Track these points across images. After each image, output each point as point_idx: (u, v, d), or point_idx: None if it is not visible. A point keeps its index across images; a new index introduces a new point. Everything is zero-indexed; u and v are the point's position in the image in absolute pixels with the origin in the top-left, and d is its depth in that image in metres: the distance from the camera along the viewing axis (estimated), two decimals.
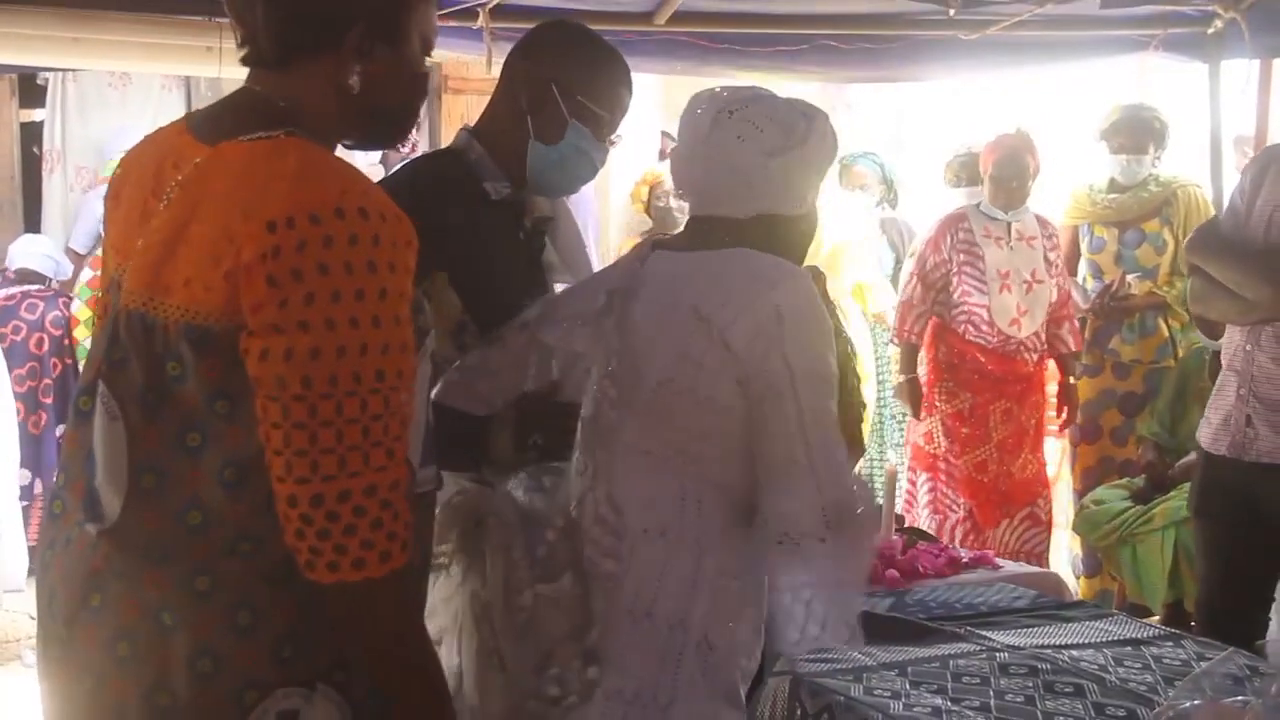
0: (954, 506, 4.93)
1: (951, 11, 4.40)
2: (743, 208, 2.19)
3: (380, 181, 2.66)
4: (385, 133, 1.88)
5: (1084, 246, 5.22)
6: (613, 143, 2.61)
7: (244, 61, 1.74)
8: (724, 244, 2.17)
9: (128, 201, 1.75)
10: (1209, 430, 3.49)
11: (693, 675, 2.09)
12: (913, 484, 5.11)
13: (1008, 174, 4.92)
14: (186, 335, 1.59)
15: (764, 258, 2.14)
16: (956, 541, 4.80)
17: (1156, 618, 4.44)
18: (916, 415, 4.97)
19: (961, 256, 4.92)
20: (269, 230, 1.53)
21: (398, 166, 3.56)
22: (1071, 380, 5.04)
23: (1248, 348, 3.37)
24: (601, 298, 2.24)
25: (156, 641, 1.61)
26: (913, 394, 4.98)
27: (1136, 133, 5.04)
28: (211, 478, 1.61)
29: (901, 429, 5.87)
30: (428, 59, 1.85)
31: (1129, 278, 5.01)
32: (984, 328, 4.89)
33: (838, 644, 2.11)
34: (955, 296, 4.93)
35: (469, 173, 2.50)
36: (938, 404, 4.96)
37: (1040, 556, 4.97)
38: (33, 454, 5.93)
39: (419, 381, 1.72)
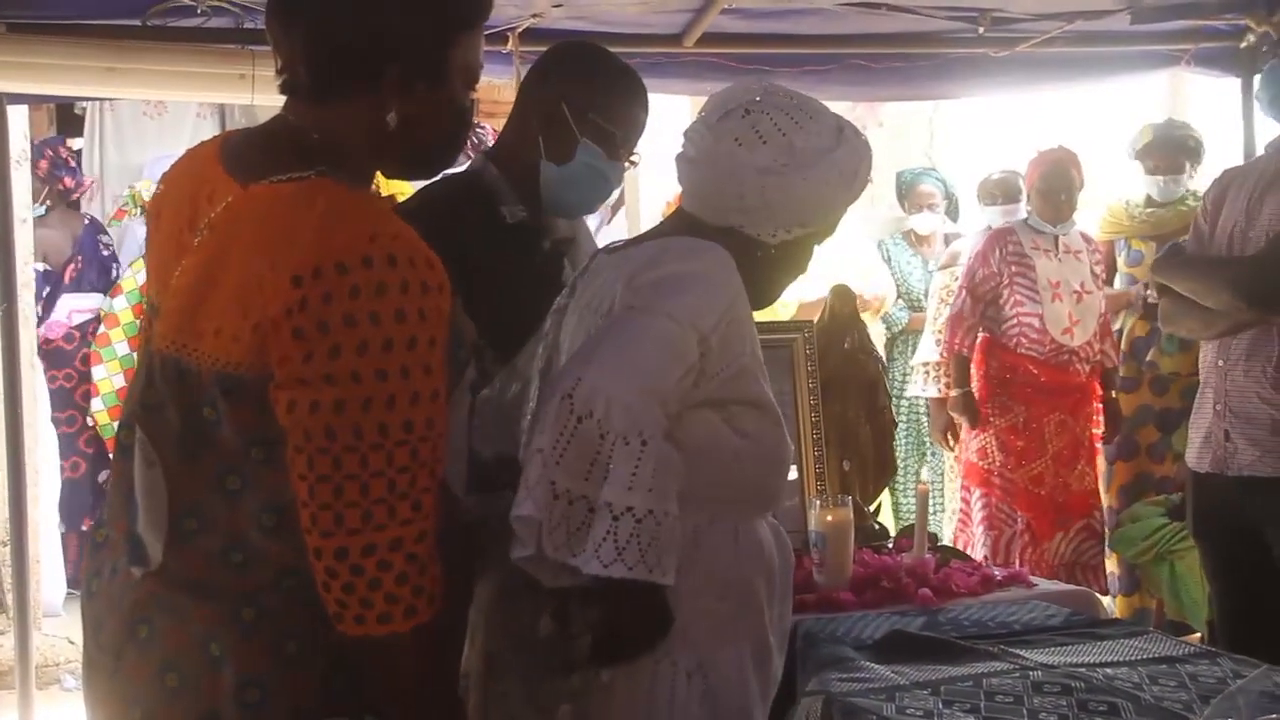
0: (1010, 521, 4.92)
1: (981, 29, 4.41)
2: (715, 215, 2.06)
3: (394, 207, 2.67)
4: (424, 166, 1.85)
5: (1121, 260, 5.23)
6: (632, 163, 2.61)
7: (281, 90, 1.73)
8: (673, 234, 2.06)
9: (167, 225, 1.74)
10: (1193, 450, 3.53)
11: (687, 708, 1.99)
12: (967, 502, 5.09)
13: (1055, 187, 4.97)
14: (218, 383, 1.59)
15: (683, 240, 2.01)
16: (1015, 556, 4.81)
17: (1197, 635, 4.40)
18: (974, 426, 4.95)
19: (1013, 268, 4.95)
20: (295, 284, 1.52)
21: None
22: (1113, 394, 5.03)
23: (1220, 363, 3.41)
24: (548, 320, 2.17)
25: (205, 672, 1.62)
26: (968, 406, 4.96)
27: (1170, 153, 5.07)
28: (252, 522, 1.61)
29: (923, 443, 5.88)
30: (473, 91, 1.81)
31: None
32: (1036, 337, 4.90)
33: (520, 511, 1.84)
34: (1007, 309, 4.95)
35: (484, 196, 2.51)
36: (991, 419, 4.95)
37: (1097, 569, 4.97)
38: (67, 499, 5.98)
39: (459, 412, 1.71)
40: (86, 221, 6.42)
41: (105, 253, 6.29)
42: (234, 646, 1.61)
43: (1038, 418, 4.90)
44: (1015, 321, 4.93)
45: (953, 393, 5.01)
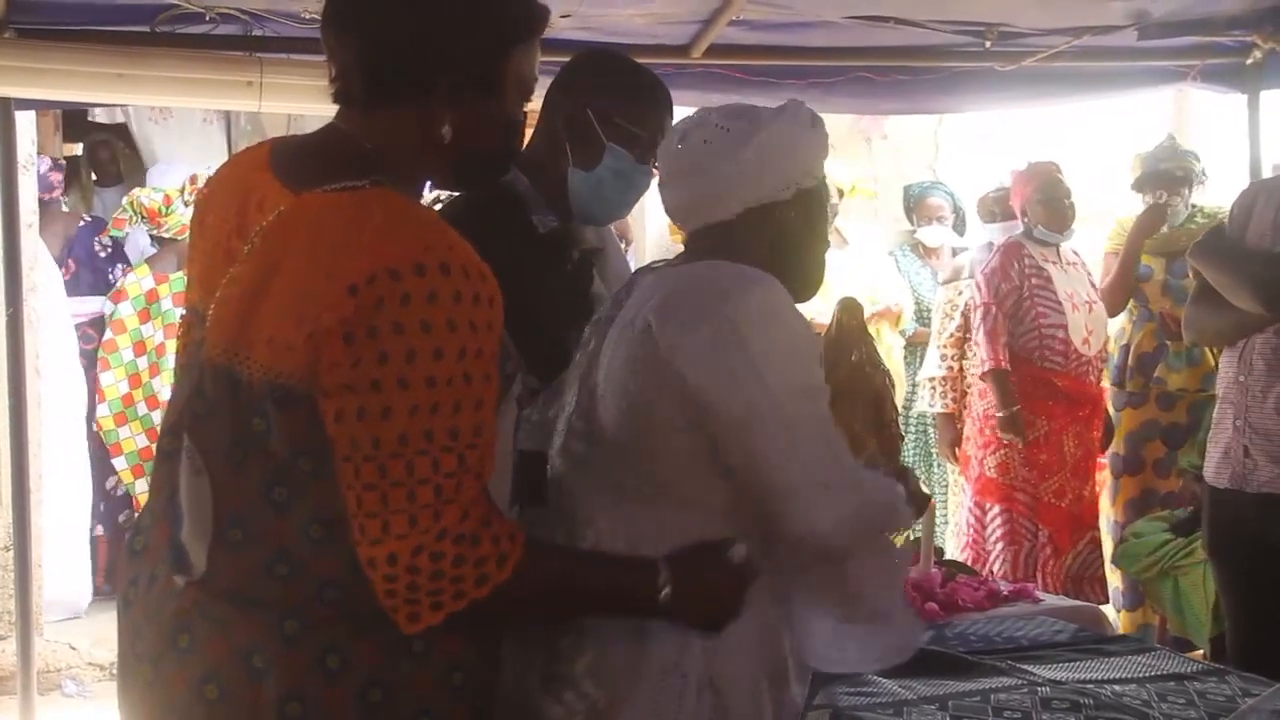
0: (1032, 535, 4.90)
1: (987, 43, 4.42)
2: (727, 207, 2.11)
3: None
4: (475, 176, 1.85)
5: None
6: (656, 168, 2.61)
7: (334, 99, 1.73)
8: (707, 254, 2.10)
9: (212, 231, 1.73)
10: (1211, 465, 3.51)
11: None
12: (979, 519, 5.03)
13: (1059, 194, 5.02)
14: (270, 393, 1.58)
15: (724, 267, 2.04)
16: (1037, 570, 4.80)
17: (1199, 652, 4.39)
18: (1024, 444, 4.88)
19: (1033, 280, 4.96)
20: (350, 293, 1.52)
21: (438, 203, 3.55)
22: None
23: (1241, 379, 3.40)
24: (587, 331, 2.20)
25: (246, 685, 1.61)
26: (1018, 425, 4.86)
27: (1164, 185, 5.06)
28: (298, 533, 1.60)
29: (930, 456, 5.88)
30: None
31: None
32: (1061, 349, 4.91)
33: (869, 669, 2.01)
34: (1027, 321, 4.93)
35: (515, 207, 2.51)
36: None
37: (1102, 581, 4.97)
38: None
39: (505, 424, 1.70)
40: (82, 223, 6.41)
41: (102, 255, 6.29)
42: (276, 659, 1.60)
43: (1058, 431, 4.90)
44: (1037, 334, 4.92)
45: (1000, 413, 4.89)
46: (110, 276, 6.30)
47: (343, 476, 1.55)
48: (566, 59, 3.98)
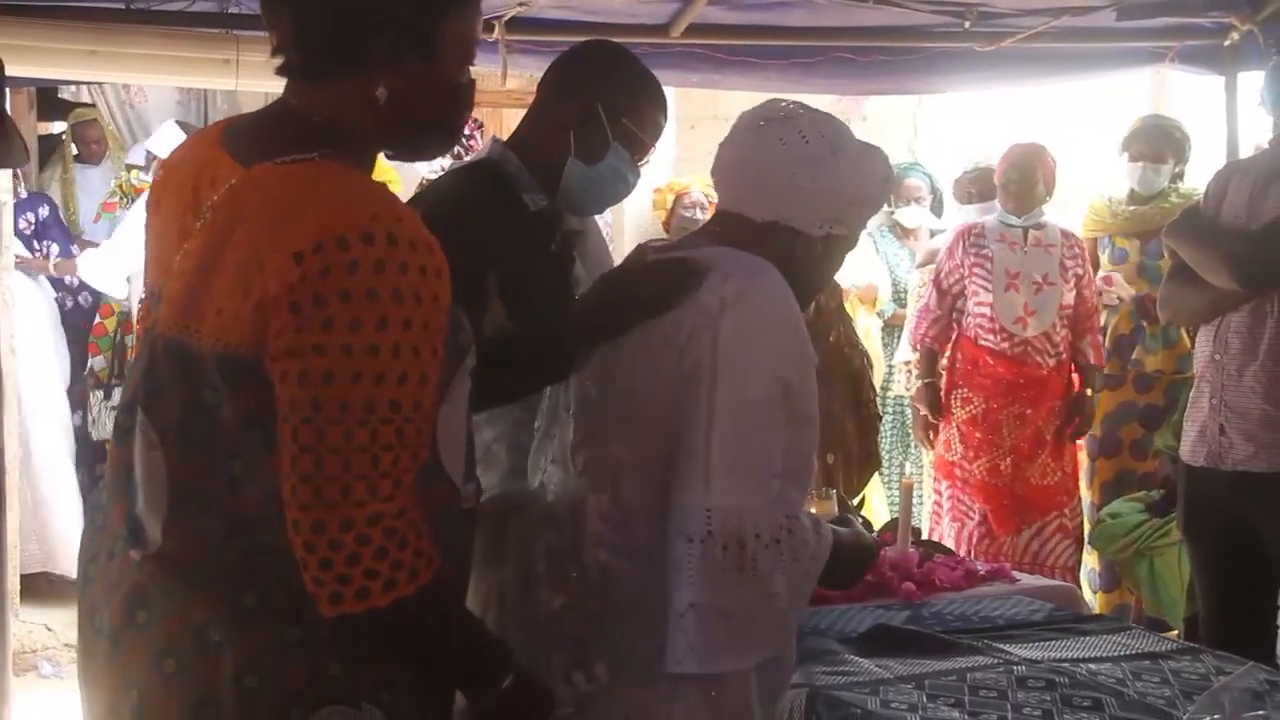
0: (970, 513, 4.96)
1: (967, 24, 4.41)
2: (759, 209, 2.09)
3: (420, 193, 2.67)
4: (424, 145, 1.83)
5: (1105, 258, 5.23)
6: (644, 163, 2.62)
7: (278, 72, 1.72)
8: (719, 241, 2.09)
9: (167, 211, 1.73)
10: (1187, 443, 3.53)
11: (691, 705, 1.96)
12: (939, 493, 5.15)
13: (1014, 179, 5.05)
14: (218, 364, 1.57)
15: (735, 254, 2.04)
16: (972, 546, 4.84)
17: (1174, 632, 4.42)
18: (935, 417, 5.01)
19: (971, 259, 5.02)
20: (296, 261, 1.51)
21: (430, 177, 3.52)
22: (1089, 392, 5.05)
23: (1216, 357, 3.42)
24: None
25: (203, 658, 1.60)
26: (930, 398, 5.02)
27: (1155, 141, 5.08)
28: (253, 506, 1.60)
29: (907, 437, 5.92)
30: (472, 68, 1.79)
31: (1116, 278, 5.09)
32: (989, 326, 4.95)
33: (706, 669, 1.91)
34: (970, 301, 5.02)
35: (506, 184, 2.51)
36: (954, 410, 5.01)
37: (1073, 569, 4.98)
38: None
39: (459, 397, 1.69)
40: (15, 199, 6.34)
41: (27, 231, 6.22)
42: (233, 632, 1.59)
43: (996, 411, 4.93)
44: (972, 312, 5.00)
45: (918, 384, 5.06)
46: (33, 253, 6.25)
47: (281, 436, 1.54)
48: (548, 39, 4.00)
